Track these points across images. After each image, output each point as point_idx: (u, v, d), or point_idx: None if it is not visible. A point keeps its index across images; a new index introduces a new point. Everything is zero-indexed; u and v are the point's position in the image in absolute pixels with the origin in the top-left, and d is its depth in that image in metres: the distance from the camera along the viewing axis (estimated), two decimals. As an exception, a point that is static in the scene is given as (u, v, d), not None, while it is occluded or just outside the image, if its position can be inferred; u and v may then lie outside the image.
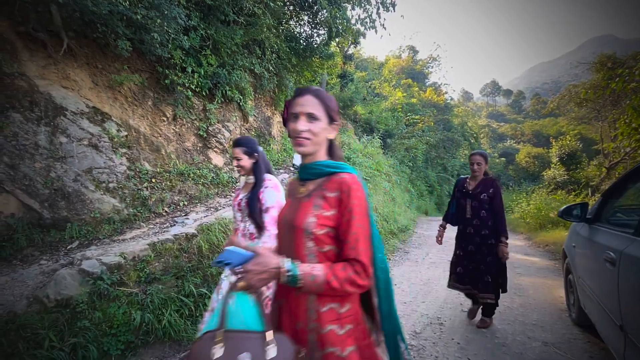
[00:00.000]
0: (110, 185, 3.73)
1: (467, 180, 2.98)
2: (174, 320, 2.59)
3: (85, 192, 3.48)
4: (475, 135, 26.87)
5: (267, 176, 1.91)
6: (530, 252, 6.56)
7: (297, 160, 6.80)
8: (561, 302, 3.65)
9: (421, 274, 4.73)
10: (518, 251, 6.46)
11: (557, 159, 19.32)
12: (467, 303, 3.75)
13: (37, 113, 3.47)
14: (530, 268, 5.22)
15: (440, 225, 3.21)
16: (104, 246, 3.16)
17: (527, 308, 3.57)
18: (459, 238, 3.05)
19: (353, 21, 8.33)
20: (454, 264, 3.12)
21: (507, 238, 2.76)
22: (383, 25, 8.49)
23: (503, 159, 34.58)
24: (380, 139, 10.49)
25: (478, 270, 2.88)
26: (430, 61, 34.32)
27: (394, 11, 9.09)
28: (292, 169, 6.89)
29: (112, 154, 3.90)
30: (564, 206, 2.78)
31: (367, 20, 8.55)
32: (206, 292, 2.87)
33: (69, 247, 3.11)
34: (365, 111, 14.46)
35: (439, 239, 3.24)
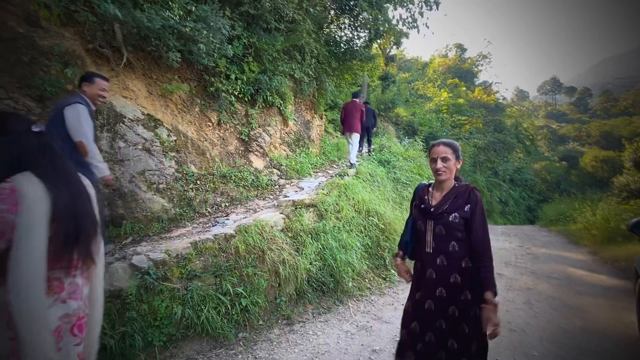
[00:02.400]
0: (160, 186, 4.03)
1: (429, 189, 1.81)
2: (212, 317, 2.70)
3: (139, 192, 3.79)
4: (531, 137, 24.73)
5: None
6: (595, 268, 5.83)
7: (353, 159, 6.78)
8: (632, 329, 3.19)
9: (464, 286, 4.44)
10: (580, 266, 5.79)
11: (631, 163, 17.02)
12: (518, 321, 3.44)
13: (101, 120, 3.86)
14: (594, 286, 4.64)
15: (395, 255, 2.00)
16: (152, 243, 3.41)
17: (588, 332, 3.18)
18: (413, 285, 1.83)
19: (394, 22, 8.14)
20: (405, 339, 1.81)
21: (495, 294, 1.57)
22: (426, 24, 8.18)
23: (564, 162, 31.33)
24: (422, 141, 10.10)
25: (443, 349, 1.67)
26: (479, 59, 32.42)
27: (437, 9, 8.73)
28: (330, 173, 6.89)
29: (162, 157, 4.21)
30: (636, 218, 2.42)
31: (409, 20, 8.31)
32: (242, 291, 2.97)
33: (123, 243, 3.40)
34: (407, 113, 14.04)
35: (404, 275, 1.91)
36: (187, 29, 4.10)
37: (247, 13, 5.40)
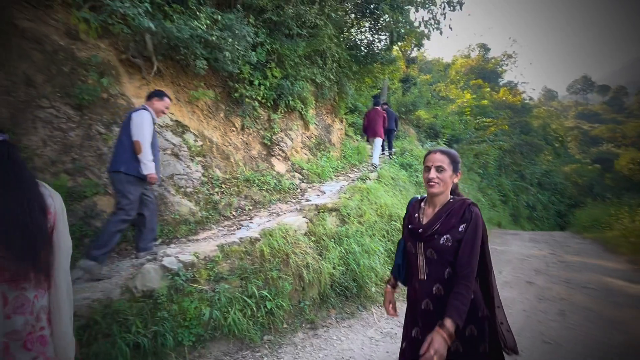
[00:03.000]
0: (188, 190, 4.16)
1: (421, 204, 1.58)
2: (238, 319, 2.75)
3: (168, 195, 3.93)
4: (560, 138, 23.63)
5: None
6: (636, 278, 5.47)
7: (376, 161, 6.97)
8: (681, 345, 2.96)
9: (492, 294, 4.28)
10: (618, 276, 5.45)
11: (674, 166, 15.90)
12: (552, 333, 3.28)
13: (133, 127, 4.04)
14: (635, 298, 4.36)
15: (387, 282, 1.79)
16: (181, 245, 3.52)
17: (631, 348, 2.98)
18: (407, 319, 1.62)
19: (416, 24, 8.05)
20: None
21: (458, 326, 1.32)
22: (449, 26, 8.03)
23: (597, 165, 29.68)
24: (445, 144, 9.88)
25: None
26: (504, 59, 31.42)
27: (461, 10, 8.56)
28: (351, 177, 6.88)
29: (189, 161, 4.35)
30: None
31: (432, 21, 8.19)
32: (267, 294, 3.00)
33: (154, 244, 3.53)
34: (429, 115, 13.80)
35: (387, 307, 1.75)
36: (214, 38, 4.23)
37: (270, 20, 5.51)
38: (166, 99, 3.30)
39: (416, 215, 1.55)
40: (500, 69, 31.12)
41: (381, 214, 4.95)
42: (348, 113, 10.33)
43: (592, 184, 23.28)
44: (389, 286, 1.75)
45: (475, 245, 1.40)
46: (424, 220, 1.50)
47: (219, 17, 4.38)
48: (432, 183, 1.45)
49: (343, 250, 3.79)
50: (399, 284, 1.74)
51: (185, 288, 2.67)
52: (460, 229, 1.40)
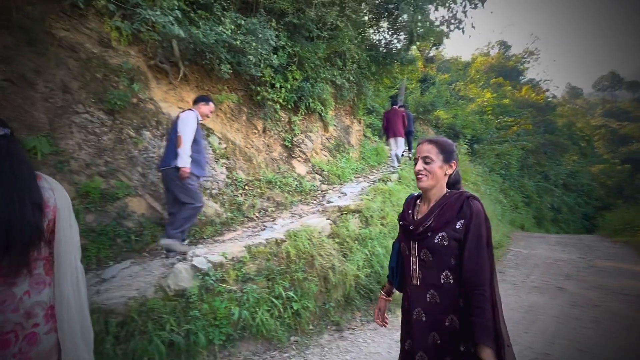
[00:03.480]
0: (213, 191, 4.25)
1: (417, 201, 1.43)
2: (266, 319, 2.78)
3: (194, 197, 4.03)
4: (586, 137, 22.69)
5: None
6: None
7: (397, 161, 7.11)
8: None
9: (521, 299, 4.15)
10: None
11: None
12: (587, 341, 3.15)
13: (161, 130, 4.17)
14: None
15: (382, 288, 1.65)
16: (208, 245, 3.60)
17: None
18: (402, 329, 1.44)
19: (437, 23, 7.93)
20: None
21: (494, 350, 1.15)
22: (472, 24, 7.86)
23: (628, 165, 28.26)
24: (467, 144, 9.66)
25: None
26: (525, 56, 30.51)
27: (483, 7, 8.37)
28: (371, 178, 6.84)
29: (214, 164, 4.44)
30: None
31: (453, 20, 8.05)
32: (293, 295, 3.02)
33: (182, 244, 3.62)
34: (448, 115, 13.55)
35: (376, 316, 1.63)
36: (238, 42, 4.30)
37: (291, 23, 5.56)
38: (211, 104, 3.61)
39: (410, 212, 1.40)
40: (521, 66, 30.22)
41: (403, 215, 4.89)
42: (365, 114, 10.28)
43: (621, 185, 22.21)
44: (383, 293, 1.61)
45: (481, 245, 1.21)
46: (419, 216, 1.35)
47: (243, 21, 4.46)
48: (420, 176, 1.31)
49: (367, 253, 3.76)
50: (395, 290, 1.57)
51: (215, 288, 2.72)
52: (457, 226, 1.22)
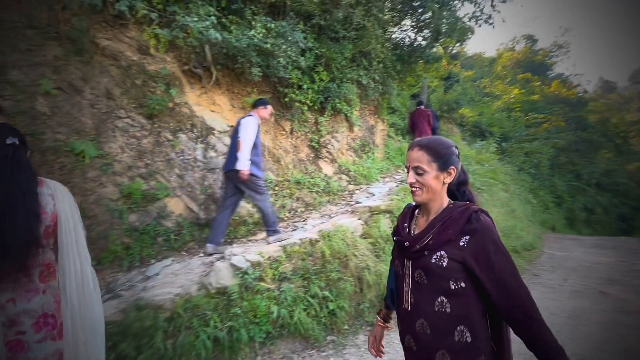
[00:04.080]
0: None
1: (416, 212, 1.23)
2: (303, 318, 2.81)
3: (228, 197, 4.13)
4: (622, 134, 21.40)
5: None
6: None
7: None
8: None
9: (562, 304, 3.99)
10: None
11: None
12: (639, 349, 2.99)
13: (196, 133, 4.31)
14: None
15: (377, 314, 1.42)
16: (242, 245, 3.69)
17: None
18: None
19: (465, 19, 7.76)
20: None
21: None
22: (503, 19, 7.63)
23: (668, 164, 26.45)
24: (495, 143, 9.39)
25: None
26: (554, 49, 29.22)
27: (512, 0, 8.10)
28: (397, 178, 6.77)
29: (246, 165, 4.54)
30: None
31: (482, 14, 7.84)
32: (329, 294, 3.05)
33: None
34: (473, 113, 13.18)
35: (370, 345, 1.37)
36: (268, 45, 4.38)
37: (317, 25, 5.60)
38: (269, 107, 3.77)
39: (406, 225, 1.19)
40: (549, 60, 28.95)
41: (433, 216, 4.82)
42: (388, 113, 10.19)
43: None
44: (379, 318, 1.38)
45: (507, 261, 1.02)
46: (415, 232, 1.16)
47: (272, 25, 4.54)
48: (413, 189, 1.12)
49: (400, 253, 3.73)
50: (394, 315, 1.33)
51: (254, 286, 2.79)
52: (461, 243, 1.02)
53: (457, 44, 14.32)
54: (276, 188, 4.77)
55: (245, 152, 3.38)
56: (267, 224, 3.51)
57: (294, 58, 4.85)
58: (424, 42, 8.38)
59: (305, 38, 5.14)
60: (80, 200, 3.35)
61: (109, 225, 3.46)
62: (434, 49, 8.88)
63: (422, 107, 7.41)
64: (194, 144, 4.24)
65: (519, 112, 14.56)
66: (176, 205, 3.82)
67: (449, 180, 1.11)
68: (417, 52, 8.13)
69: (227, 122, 4.82)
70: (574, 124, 17.60)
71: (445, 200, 1.13)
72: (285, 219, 4.49)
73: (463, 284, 1.03)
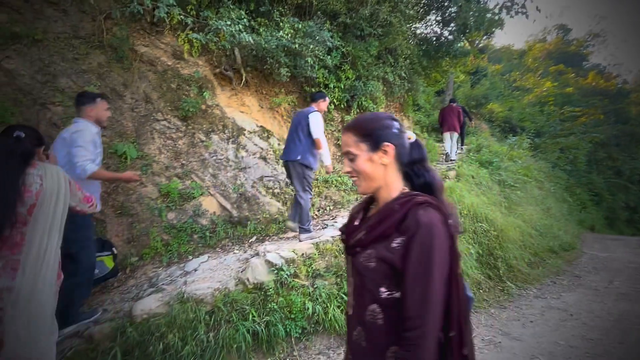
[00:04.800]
0: (275, 190, 4.42)
1: (372, 205, 1.03)
2: (337, 315, 2.82)
3: (259, 196, 4.22)
4: (669, 126, 19.82)
5: None
6: None
7: (453, 155, 7.19)
8: None
9: (608, 307, 3.76)
10: None
11: None
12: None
13: (227, 134, 4.43)
14: None
15: None
16: (274, 242, 3.75)
17: None
18: None
19: (496, 10, 7.49)
20: None
21: None
22: (537, 8, 7.30)
23: None
24: (529, 139, 9.00)
25: None
26: (589, 38, 27.60)
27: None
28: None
29: (275, 164, 4.62)
30: None
31: (512, 4, 7.53)
32: (362, 293, 3.04)
33: (250, 241, 3.82)
34: (503, 108, 12.68)
35: None
36: (296, 46, 4.43)
37: (343, 23, 5.60)
38: (327, 99, 3.75)
39: (356, 217, 1.02)
40: (584, 50, 27.36)
41: (464, 214, 4.68)
42: (413, 111, 10.02)
43: None
44: None
45: (431, 278, 0.80)
46: (358, 222, 1.00)
47: (300, 25, 4.59)
48: (352, 179, 0.97)
49: (433, 252, 3.66)
50: None
51: (289, 282, 2.83)
52: (394, 244, 0.83)
53: (485, 37, 13.86)
54: (305, 187, 4.81)
55: (326, 148, 3.52)
56: (302, 222, 3.54)
57: (321, 57, 4.88)
58: (450, 37, 8.17)
59: (331, 37, 5.16)
60: (123, 199, 3.54)
61: (150, 223, 3.63)
62: (461, 43, 8.64)
63: (454, 104, 7.61)
64: (225, 144, 4.36)
65: (552, 105, 13.84)
66: (210, 204, 3.95)
67: (387, 160, 0.91)
68: (443, 47, 7.94)
69: (257, 123, 4.92)
70: (613, 117, 16.51)
71: (396, 188, 0.93)
72: (315, 217, 4.52)
73: (397, 295, 0.84)
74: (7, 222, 1.34)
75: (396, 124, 0.94)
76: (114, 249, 2.71)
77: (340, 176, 5.40)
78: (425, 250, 0.80)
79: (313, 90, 5.40)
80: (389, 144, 0.90)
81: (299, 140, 3.46)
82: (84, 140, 2.21)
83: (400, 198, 0.90)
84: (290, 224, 3.70)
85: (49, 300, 1.39)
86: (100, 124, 2.46)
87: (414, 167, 0.96)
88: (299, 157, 3.42)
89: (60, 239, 1.51)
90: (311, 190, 3.62)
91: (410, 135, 0.98)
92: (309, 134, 3.44)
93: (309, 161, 3.44)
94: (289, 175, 3.63)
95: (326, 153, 3.55)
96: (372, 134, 0.91)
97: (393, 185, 0.93)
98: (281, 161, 4.85)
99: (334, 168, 5.60)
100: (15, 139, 1.49)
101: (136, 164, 3.79)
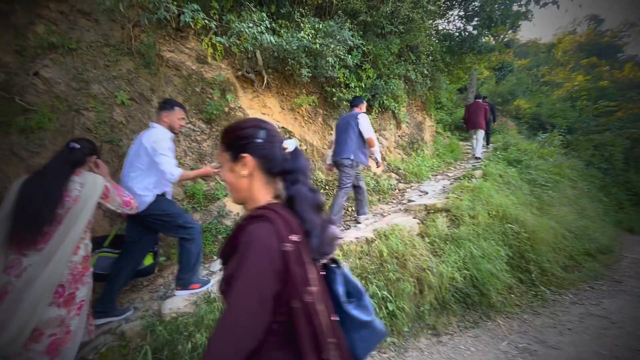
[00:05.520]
0: (297, 191, 4.42)
1: None
2: (363, 318, 2.77)
3: (282, 197, 4.24)
4: None
5: None
6: None
7: (479, 153, 7.12)
8: None
9: (655, 315, 3.49)
10: None
11: None
12: None
13: (250, 135, 4.48)
14: None
15: None
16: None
17: None
18: None
19: (523, 1, 7.18)
20: None
21: None
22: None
23: None
24: (560, 135, 8.57)
25: None
26: (624, 29, 26.00)
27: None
28: (450, 175, 6.45)
29: (297, 165, 4.62)
30: None
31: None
32: (387, 295, 2.97)
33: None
34: (531, 104, 12.14)
35: None
36: (317, 46, 4.42)
37: (364, 22, 5.54)
38: (365, 102, 4.15)
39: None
40: (619, 41, 25.78)
41: (492, 215, 4.49)
42: (435, 109, 9.77)
43: None
44: None
45: (232, 300, 0.72)
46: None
47: (320, 25, 4.57)
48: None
49: (463, 254, 3.53)
50: None
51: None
52: (233, 263, 0.78)
53: (510, 31, 13.34)
54: (327, 187, 4.79)
55: (377, 147, 3.91)
56: (359, 208, 4.01)
57: (342, 56, 4.84)
58: (474, 32, 7.91)
59: (352, 36, 5.11)
60: (151, 200, 3.65)
61: (176, 224, 3.72)
62: (486, 38, 8.34)
63: (480, 100, 7.47)
64: (248, 145, 4.41)
65: (585, 100, 13.10)
66: (234, 205, 3.99)
67: (245, 172, 0.86)
68: (467, 43, 7.69)
69: (278, 124, 4.95)
70: (653, 110, 15.41)
71: (260, 200, 0.88)
72: (337, 218, 4.48)
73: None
74: (49, 221, 1.56)
75: (262, 133, 0.88)
76: (156, 246, 2.77)
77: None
78: (236, 268, 0.73)
79: (334, 90, 5.37)
80: (246, 155, 0.86)
81: (350, 140, 3.75)
82: (164, 148, 2.40)
83: (252, 212, 0.85)
84: (360, 218, 4.04)
85: (54, 276, 1.56)
86: (173, 130, 2.58)
87: (286, 178, 0.90)
88: (352, 156, 3.71)
89: (85, 235, 1.73)
90: (349, 187, 3.94)
91: (287, 145, 0.91)
92: (359, 134, 3.75)
93: (360, 159, 3.77)
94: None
95: (377, 151, 3.92)
96: (231, 144, 0.89)
97: (257, 197, 0.88)
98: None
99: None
100: (69, 149, 1.78)
101: (163, 166, 3.90)
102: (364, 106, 4.05)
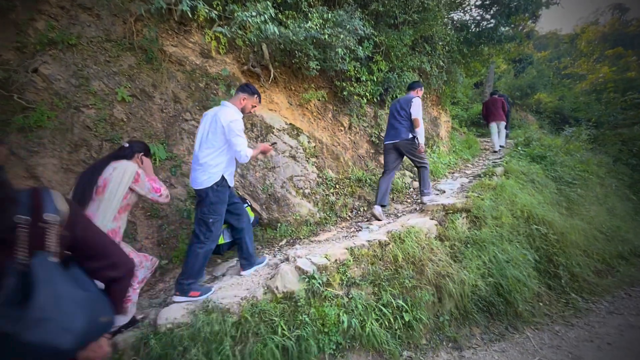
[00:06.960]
0: (306, 191, 4.19)
1: None
2: (376, 330, 2.52)
3: (289, 197, 4.02)
4: None
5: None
6: None
7: (502, 142, 7.43)
8: None
9: None
10: None
11: None
12: None
13: (256, 132, 4.28)
14: None
15: None
16: (304, 246, 3.51)
17: None
18: None
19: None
20: None
21: None
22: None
23: None
24: (586, 130, 8.05)
25: None
26: (652, 17, 24.53)
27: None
28: (467, 173, 6.09)
29: (305, 163, 4.39)
30: None
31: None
32: (403, 304, 2.71)
33: (280, 244, 3.62)
34: (552, 98, 11.53)
35: None
36: (325, 36, 4.17)
37: (375, 12, 5.25)
38: (422, 87, 4.27)
39: None
40: (647, 31, 24.37)
41: (516, 215, 4.15)
42: (450, 104, 9.36)
43: None
44: None
45: None
46: None
47: (329, 15, 4.32)
48: None
49: (486, 258, 3.23)
50: None
51: (322, 292, 2.58)
52: None
53: (530, 20, 12.71)
54: (337, 186, 4.54)
55: (422, 130, 3.95)
56: (424, 186, 4.01)
57: (352, 48, 4.58)
58: (493, 21, 7.49)
59: (364, 26, 4.84)
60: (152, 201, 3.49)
61: (179, 225, 3.55)
62: (505, 28, 7.89)
63: (496, 95, 7.67)
64: (254, 143, 4.21)
65: (612, 92, 12.36)
66: (239, 205, 3.79)
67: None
68: (485, 32, 7.28)
69: (286, 120, 4.73)
70: (686, 103, 14.42)
71: None
72: (348, 218, 4.24)
73: None
74: (89, 198, 2.05)
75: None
76: (248, 201, 3.35)
77: (374, 174, 5.07)
78: None
79: (344, 84, 5.11)
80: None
81: (401, 122, 3.97)
82: (239, 129, 2.51)
83: None
84: (376, 209, 3.97)
85: None
86: (243, 111, 2.70)
87: None
88: (409, 135, 3.93)
89: (119, 216, 2.16)
90: (426, 159, 4.12)
91: None
92: (409, 117, 3.93)
93: (413, 137, 3.95)
94: (391, 156, 4.09)
95: (422, 132, 3.95)
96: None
97: None
98: (312, 160, 4.64)
99: (367, 166, 5.29)
100: (120, 147, 2.34)
101: (165, 165, 3.74)
102: (420, 91, 4.18)
